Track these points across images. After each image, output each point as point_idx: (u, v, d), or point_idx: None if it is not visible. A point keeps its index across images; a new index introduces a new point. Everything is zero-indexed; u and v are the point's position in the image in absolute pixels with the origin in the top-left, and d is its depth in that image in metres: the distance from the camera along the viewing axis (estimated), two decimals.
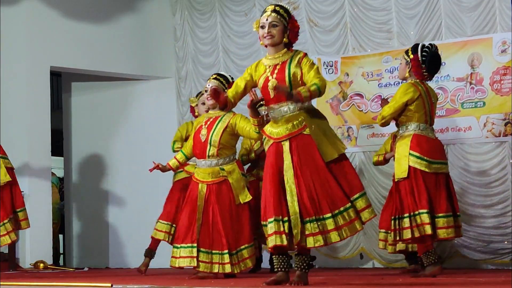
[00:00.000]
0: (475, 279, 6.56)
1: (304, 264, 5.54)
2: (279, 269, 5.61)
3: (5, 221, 7.82)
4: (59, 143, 11.48)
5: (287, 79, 5.54)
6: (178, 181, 8.21)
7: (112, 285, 5.71)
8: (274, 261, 5.69)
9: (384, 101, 7.18)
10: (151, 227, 8.29)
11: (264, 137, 5.72)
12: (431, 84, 8.67)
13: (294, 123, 5.53)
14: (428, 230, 6.56)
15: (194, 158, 7.33)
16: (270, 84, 5.56)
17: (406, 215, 6.68)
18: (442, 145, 7.07)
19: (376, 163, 8.07)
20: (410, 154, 6.70)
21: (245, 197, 7.02)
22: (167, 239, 8.06)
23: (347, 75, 9.38)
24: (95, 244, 10.91)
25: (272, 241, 5.44)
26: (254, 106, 6.14)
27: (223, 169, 7.03)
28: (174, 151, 8.16)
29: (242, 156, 8.31)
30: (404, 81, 7.06)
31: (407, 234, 6.66)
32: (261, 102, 5.73)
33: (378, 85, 9.16)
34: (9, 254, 9.35)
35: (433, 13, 8.81)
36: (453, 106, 8.67)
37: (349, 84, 9.38)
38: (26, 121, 9.86)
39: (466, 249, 8.36)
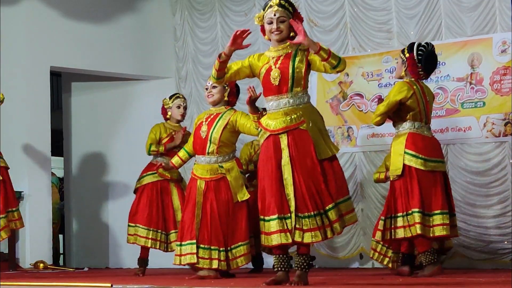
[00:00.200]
0: (475, 279, 6.56)
1: (304, 264, 5.54)
2: (279, 268, 5.61)
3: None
4: (59, 143, 11.48)
5: (290, 70, 5.55)
6: (152, 184, 8.19)
7: (112, 285, 5.71)
8: (274, 261, 5.69)
9: (381, 101, 7.19)
10: None
11: (260, 129, 5.71)
12: (431, 84, 8.71)
13: (293, 117, 5.53)
14: (418, 229, 6.54)
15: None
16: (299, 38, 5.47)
17: (399, 214, 6.67)
18: (438, 143, 7.05)
19: (377, 181, 8.05)
20: (405, 152, 6.69)
21: (243, 195, 7.02)
22: (158, 247, 8.06)
23: (347, 75, 9.38)
24: (95, 244, 10.90)
25: (276, 240, 5.44)
26: (253, 103, 6.15)
27: (221, 167, 7.03)
28: (150, 154, 8.17)
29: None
30: (401, 80, 7.07)
31: (400, 234, 6.65)
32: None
33: (378, 85, 9.16)
34: (9, 254, 9.34)
35: (433, 13, 8.81)
36: (453, 106, 8.67)
37: (349, 84, 9.37)
38: (26, 121, 9.86)
39: (466, 249, 8.36)
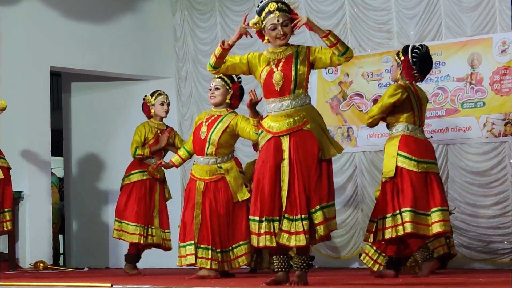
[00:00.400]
0: (475, 279, 6.56)
1: (304, 264, 5.54)
2: (279, 269, 5.61)
3: None
4: (59, 143, 11.48)
5: (293, 73, 5.54)
6: (141, 181, 8.19)
7: (112, 285, 5.71)
8: (274, 261, 5.69)
9: (375, 102, 7.20)
10: None
11: (260, 131, 5.69)
12: (431, 84, 8.72)
13: (296, 118, 5.52)
14: (409, 228, 6.52)
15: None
16: (301, 22, 5.48)
17: (389, 215, 6.68)
18: (431, 145, 7.04)
19: None
20: (398, 154, 6.69)
21: (244, 195, 7.02)
22: (142, 241, 8.07)
23: (347, 75, 9.38)
24: (95, 244, 10.90)
25: (262, 242, 5.44)
26: (253, 106, 6.13)
27: (220, 167, 7.03)
28: (135, 157, 8.16)
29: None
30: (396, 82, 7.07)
31: (388, 234, 6.65)
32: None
33: (378, 85, 9.16)
34: (9, 254, 9.34)
35: (433, 13, 8.81)
36: (453, 106, 8.68)
37: (349, 84, 9.38)
38: (26, 121, 9.86)
39: (466, 249, 8.36)
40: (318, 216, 5.43)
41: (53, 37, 10.10)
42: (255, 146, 8.26)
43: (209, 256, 6.90)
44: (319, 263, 9.06)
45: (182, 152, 7.35)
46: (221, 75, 7.09)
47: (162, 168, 7.70)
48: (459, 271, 7.77)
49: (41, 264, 9.46)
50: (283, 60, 5.59)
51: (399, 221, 6.55)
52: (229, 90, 7.09)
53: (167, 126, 8.33)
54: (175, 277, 7.35)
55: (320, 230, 5.42)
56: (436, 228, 6.55)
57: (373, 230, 6.72)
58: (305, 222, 5.38)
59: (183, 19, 10.77)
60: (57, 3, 10.15)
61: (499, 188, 8.37)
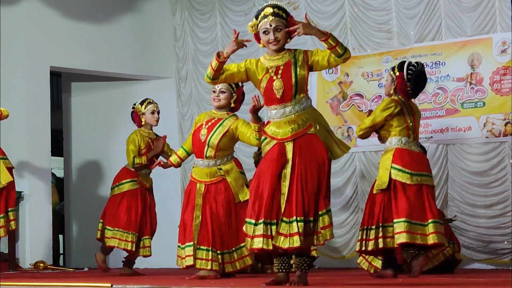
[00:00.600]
0: (475, 279, 6.56)
1: (305, 265, 5.54)
2: (279, 270, 5.61)
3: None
4: (59, 143, 11.48)
5: (293, 80, 5.51)
6: (132, 191, 8.22)
7: (112, 285, 5.71)
8: (274, 262, 5.69)
9: (370, 112, 7.22)
10: None
11: (264, 137, 5.69)
12: (431, 84, 8.74)
13: (299, 123, 5.50)
14: (403, 238, 6.52)
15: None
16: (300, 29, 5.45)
17: (373, 226, 6.70)
18: (426, 158, 7.10)
19: None
20: (392, 167, 6.72)
21: (245, 195, 7.02)
22: (130, 247, 8.11)
23: (347, 75, 9.38)
24: (95, 244, 10.87)
25: (258, 244, 5.43)
26: (256, 112, 6.12)
27: (220, 169, 7.02)
28: (134, 166, 8.16)
29: None
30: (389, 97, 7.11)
31: (371, 246, 6.67)
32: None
33: (378, 85, 9.16)
34: (9, 254, 9.34)
35: (433, 13, 8.82)
36: (453, 106, 8.68)
37: (349, 84, 9.38)
38: (26, 121, 9.86)
39: (466, 249, 8.36)
40: (325, 219, 5.44)
41: (53, 37, 10.10)
42: (257, 164, 8.33)
43: (209, 257, 6.90)
44: (319, 263, 9.06)
45: (180, 152, 7.34)
46: None
47: (161, 166, 7.67)
48: (459, 271, 7.77)
49: (41, 264, 9.46)
50: (282, 68, 5.55)
51: (389, 234, 6.58)
52: (234, 94, 7.09)
53: (157, 135, 8.34)
54: (175, 277, 7.35)
55: (326, 233, 5.43)
56: (433, 239, 6.56)
57: (360, 238, 6.76)
58: (300, 224, 5.37)
59: (183, 19, 10.77)
60: (57, 3, 10.15)
61: (499, 188, 8.37)
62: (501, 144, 8.40)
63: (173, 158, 7.36)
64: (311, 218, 5.41)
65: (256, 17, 5.64)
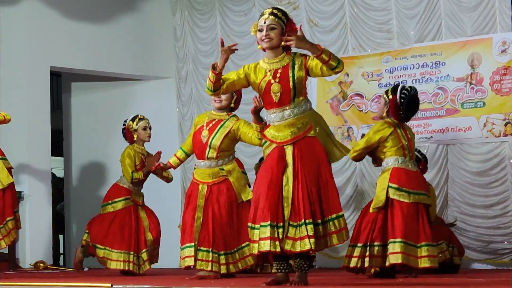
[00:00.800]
0: (475, 279, 6.56)
1: (304, 266, 5.54)
2: (278, 270, 5.61)
3: (8, 219, 7.82)
4: (59, 143, 11.47)
5: (291, 83, 5.51)
6: (125, 209, 8.21)
7: (112, 285, 5.71)
8: (274, 263, 5.69)
9: (363, 136, 7.25)
10: None
11: (264, 141, 5.68)
12: (431, 84, 8.75)
13: (299, 126, 5.50)
14: (399, 259, 6.54)
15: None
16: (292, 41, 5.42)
17: (360, 244, 6.71)
18: (423, 177, 7.14)
19: None
20: (389, 186, 6.76)
21: (248, 195, 7.02)
22: (131, 268, 8.08)
23: (347, 75, 9.38)
24: None
25: (265, 246, 5.42)
26: (257, 113, 6.12)
27: (222, 169, 7.03)
28: (133, 181, 8.15)
29: None
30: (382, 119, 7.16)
31: (354, 263, 6.69)
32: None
33: (378, 85, 9.16)
34: (9, 254, 9.34)
35: (433, 13, 8.82)
36: (453, 106, 8.68)
37: (349, 84, 9.38)
38: (26, 121, 9.86)
39: (466, 249, 8.36)
40: (336, 224, 5.44)
41: (53, 37, 10.10)
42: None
43: (210, 259, 6.90)
44: (319, 263, 9.06)
45: (179, 153, 7.34)
46: None
47: (161, 168, 7.66)
48: (459, 271, 7.77)
49: (41, 264, 9.46)
50: (280, 71, 5.55)
51: (373, 253, 6.63)
52: (234, 95, 7.09)
53: (148, 153, 8.34)
54: (175, 277, 7.35)
55: (334, 238, 5.44)
56: (425, 263, 6.59)
57: (346, 254, 6.79)
58: (309, 226, 5.37)
59: (183, 19, 10.77)
60: (57, 3, 10.15)
61: (499, 188, 8.37)
62: (501, 144, 8.40)
63: (172, 160, 7.36)
64: (319, 221, 5.42)
65: (259, 19, 5.65)
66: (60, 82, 11.95)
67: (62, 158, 11.65)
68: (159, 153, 8.15)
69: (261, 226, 5.44)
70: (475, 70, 8.58)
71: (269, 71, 5.57)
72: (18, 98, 9.79)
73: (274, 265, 5.70)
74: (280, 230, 5.42)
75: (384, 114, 7.05)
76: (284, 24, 5.55)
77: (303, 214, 5.38)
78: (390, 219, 6.68)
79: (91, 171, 11.10)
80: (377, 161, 7.11)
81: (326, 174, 5.48)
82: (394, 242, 6.59)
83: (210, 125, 7.05)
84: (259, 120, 6.10)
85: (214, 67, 5.60)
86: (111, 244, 8.16)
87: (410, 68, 8.95)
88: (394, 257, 6.56)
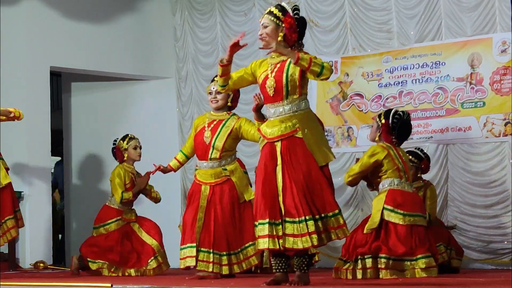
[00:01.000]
0: (475, 279, 6.56)
1: (303, 265, 5.54)
2: (277, 270, 5.62)
3: (7, 218, 7.81)
4: (59, 143, 11.47)
5: (284, 79, 5.53)
6: (118, 230, 8.19)
7: (112, 285, 5.72)
8: (272, 262, 5.70)
9: (357, 160, 7.27)
10: None
11: (259, 136, 5.73)
12: (431, 84, 8.75)
13: (288, 124, 5.53)
14: (389, 275, 6.58)
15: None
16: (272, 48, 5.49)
17: (349, 260, 6.74)
18: (419, 198, 7.18)
19: None
20: (384, 208, 6.78)
21: (250, 194, 7.03)
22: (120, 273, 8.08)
23: (347, 75, 9.38)
24: None
25: (264, 244, 5.43)
26: (259, 110, 6.14)
27: (225, 169, 7.03)
28: (123, 201, 8.14)
29: None
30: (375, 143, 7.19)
31: (344, 274, 6.73)
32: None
33: (378, 85, 9.16)
34: (9, 254, 9.34)
35: (433, 13, 8.81)
36: (453, 106, 8.67)
37: (349, 84, 9.37)
38: (26, 121, 9.83)
39: (466, 249, 8.35)
40: (333, 221, 5.46)
41: (53, 37, 10.10)
42: None
43: (211, 260, 6.91)
44: (319, 263, 9.05)
45: (180, 156, 7.35)
46: None
47: (161, 171, 7.64)
48: (459, 271, 7.77)
49: (41, 264, 9.46)
50: (278, 66, 5.60)
51: (365, 265, 6.65)
52: (230, 93, 7.10)
53: (137, 172, 8.35)
54: (175, 277, 7.36)
55: (333, 234, 5.47)
56: (423, 273, 6.61)
57: (335, 267, 6.84)
58: (309, 222, 5.38)
59: (183, 19, 10.77)
60: (57, 3, 10.15)
61: (499, 188, 8.37)
62: (501, 144, 8.40)
63: (173, 163, 7.37)
64: (317, 216, 5.42)
65: None
66: (60, 82, 11.95)
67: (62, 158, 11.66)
68: (148, 173, 8.16)
69: (260, 223, 5.45)
70: (475, 70, 8.58)
71: (270, 65, 5.63)
72: (18, 98, 9.78)
73: (272, 264, 5.71)
74: (279, 227, 5.43)
75: (377, 138, 7.10)
76: (279, 20, 5.56)
77: (302, 210, 5.38)
78: (384, 239, 6.71)
79: (91, 171, 11.09)
80: (373, 185, 7.15)
81: (317, 173, 5.47)
82: (387, 258, 6.62)
83: (212, 125, 7.06)
84: (261, 117, 6.12)
85: (221, 61, 5.61)
86: (105, 258, 8.10)
87: (410, 68, 8.95)
88: (385, 273, 6.59)
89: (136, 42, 10.70)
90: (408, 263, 6.66)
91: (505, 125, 8.33)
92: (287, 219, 5.42)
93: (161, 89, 10.88)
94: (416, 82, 8.88)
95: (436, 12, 8.80)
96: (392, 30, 9.11)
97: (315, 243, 5.37)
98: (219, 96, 7.06)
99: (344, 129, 9.36)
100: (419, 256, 6.67)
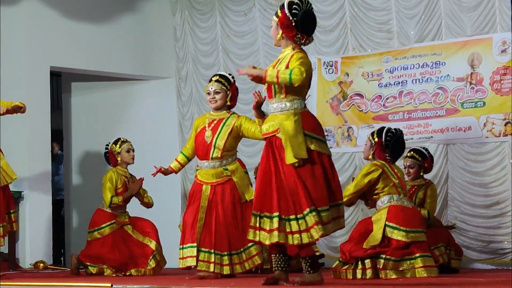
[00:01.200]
0: (475, 279, 6.56)
1: (306, 267, 5.55)
2: (276, 268, 5.63)
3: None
4: (59, 143, 11.46)
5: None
6: (112, 234, 8.19)
7: (112, 285, 5.72)
8: (272, 260, 5.71)
9: (353, 180, 7.28)
10: None
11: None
12: (431, 84, 8.75)
13: (272, 123, 5.62)
14: (392, 275, 6.60)
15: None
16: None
17: (349, 262, 6.76)
18: (419, 213, 7.18)
19: None
20: (386, 225, 6.77)
21: (251, 194, 7.03)
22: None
23: (347, 75, 9.38)
24: None
25: (275, 237, 5.44)
26: (259, 108, 6.16)
27: (226, 169, 7.04)
28: (111, 206, 8.13)
29: None
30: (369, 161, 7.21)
31: (343, 274, 6.76)
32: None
33: (378, 85, 9.16)
34: (9, 254, 9.34)
35: (433, 13, 8.81)
36: (453, 106, 8.67)
37: (349, 84, 9.37)
38: (26, 121, 9.85)
39: (466, 249, 8.36)
40: (311, 218, 5.45)
41: (53, 37, 10.10)
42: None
43: (212, 260, 6.91)
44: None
45: (180, 157, 7.36)
46: (217, 77, 7.13)
47: (162, 173, 7.63)
48: (459, 272, 7.77)
49: (41, 264, 9.45)
50: (278, 62, 5.69)
51: (366, 266, 6.67)
52: (228, 92, 7.10)
53: (131, 175, 8.34)
54: (175, 277, 7.35)
55: (312, 233, 5.44)
56: (423, 273, 6.62)
57: (334, 267, 6.87)
58: (275, 219, 5.44)
59: (183, 19, 10.77)
60: (57, 3, 10.15)
61: (499, 188, 8.37)
62: (501, 144, 8.40)
63: (174, 164, 7.37)
64: (292, 217, 5.44)
65: None
66: (60, 82, 11.95)
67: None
68: (141, 179, 8.17)
69: (266, 216, 5.49)
70: (475, 70, 8.58)
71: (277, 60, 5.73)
72: (18, 98, 9.69)
73: (272, 261, 5.73)
74: (263, 220, 5.49)
75: (370, 156, 7.12)
76: (277, 18, 5.64)
77: (276, 207, 5.44)
78: (385, 250, 6.71)
79: (91, 171, 11.09)
80: (370, 203, 7.15)
81: (288, 173, 5.49)
82: (387, 259, 6.63)
83: (212, 125, 7.07)
84: (261, 115, 6.14)
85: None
86: (103, 263, 8.08)
87: (410, 68, 8.95)
88: (390, 273, 6.61)
89: (136, 42, 10.70)
90: (408, 262, 6.66)
91: (505, 125, 8.34)
92: (266, 213, 5.50)
93: (161, 89, 10.88)
94: (416, 82, 8.88)
95: (436, 12, 8.80)
96: (392, 30, 9.11)
97: (322, 232, 5.39)
98: (217, 96, 7.07)
99: (344, 129, 9.36)
100: (417, 255, 6.67)
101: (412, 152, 7.92)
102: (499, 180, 8.38)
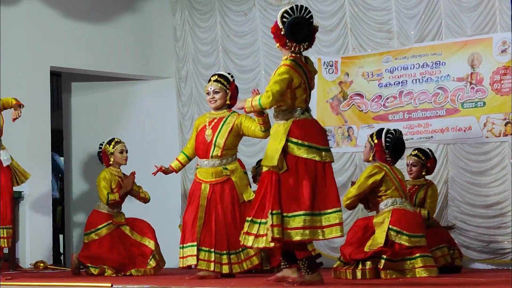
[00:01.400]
0: (475, 279, 6.56)
1: (304, 267, 5.56)
2: (283, 266, 5.70)
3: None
4: (59, 143, 11.47)
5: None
6: (109, 234, 8.19)
7: (112, 285, 5.72)
8: (281, 260, 5.77)
9: (353, 184, 7.27)
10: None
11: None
12: (431, 84, 8.75)
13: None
14: (394, 275, 6.61)
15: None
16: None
17: (349, 262, 6.77)
18: (420, 217, 7.18)
19: None
20: (389, 228, 6.77)
21: (249, 195, 7.04)
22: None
23: (347, 75, 9.38)
24: None
25: (278, 233, 5.47)
26: None
27: (226, 169, 7.04)
28: (109, 203, 8.14)
29: None
30: (369, 163, 7.20)
31: (343, 274, 6.76)
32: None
33: (378, 85, 9.16)
34: (9, 254, 9.33)
35: (433, 13, 8.81)
36: (453, 106, 8.68)
37: (349, 84, 9.38)
38: (26, 121, 9.84)
39: (466, 249, 8.36)
40: (275, 219, 5.50)
41: (53, 37, 10.10)
42: (255, 178, 8.41)
43: (212, 259, 6.91)
44: None
45: (181, 157, 7.37)
46: (216, 77, 7.15)
47: (162, 172, 7.64)
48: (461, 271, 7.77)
49: (41, 264, 9.46)
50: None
51: (366, 266, 6.67)
52: (228, 92, 7.11)
53: (124, 174, 8.35)
54: (175, 277, 7.36)
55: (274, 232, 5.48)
56: (423, 273, 6.63)
57: (335, 267, 6.87)
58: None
59: (183, 19, 10.76)
60: (57, 3, 10.15)
61: (499, 188, 8.37)
62: (501, 144, 8.40)
63: (174, 164, 7.38)
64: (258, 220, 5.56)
65: None
66: (60, 82, 11.95)
67: (62, 158, 11.64)
68: (133, 173, 8.20)
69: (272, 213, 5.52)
70: (475, 70, 8.58)
71: None
72: (18, 98, 9.75)
73: (281, 263, 5.80)
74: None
75: (371, 158, 7.11)
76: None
77: (263, 210, 5.51)
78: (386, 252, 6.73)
79: (91, 171, 11.08)
80: (370, 206, 7.15)
81: (263, 177, 5.69)
82: (386, 259, 6.64)
83: (213, 123, 7.09)
84: (260, 113, 6.16)
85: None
86: (103, 264, 8.08)
87: (410, 68, 8.95)
88: (385, 273, 6.61)
89: (136, 42, 10.70)
90: (408, 262, 6.66)
91: (505, 125, 8.34)
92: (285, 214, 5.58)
93: (161, 89, 10.88)
94: (416, 82, 8.88)
95: (436, 12, 8.80)
96: (392, 30, 9.11)
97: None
98: (217, 96, 7.08)
99: (344, 129, 9.36)
100: (417, 255, 6.67)
101: (416, 151, 7.93)
102: (499, 180, 8.38)
